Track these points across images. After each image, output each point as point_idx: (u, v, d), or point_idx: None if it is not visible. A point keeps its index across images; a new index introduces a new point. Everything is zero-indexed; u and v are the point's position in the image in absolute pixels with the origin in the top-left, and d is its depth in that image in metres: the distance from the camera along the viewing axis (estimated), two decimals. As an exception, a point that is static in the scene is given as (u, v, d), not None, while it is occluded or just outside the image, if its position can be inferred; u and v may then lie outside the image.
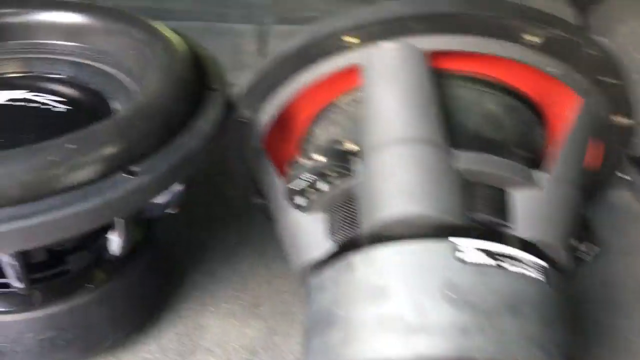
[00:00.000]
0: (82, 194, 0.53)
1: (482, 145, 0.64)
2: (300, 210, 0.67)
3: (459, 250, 0.57)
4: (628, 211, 1.09)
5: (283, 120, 0.73)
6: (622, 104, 0.69)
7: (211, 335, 0.82)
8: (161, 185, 0.58)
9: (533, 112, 0.72)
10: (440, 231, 0.58)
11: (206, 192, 1.03)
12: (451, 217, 0.59)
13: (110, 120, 0.58)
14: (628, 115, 0.70)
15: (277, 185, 0.71)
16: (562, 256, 0.62)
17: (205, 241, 0.95)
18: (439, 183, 0.59)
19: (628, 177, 1.17)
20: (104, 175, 0.55)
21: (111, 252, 0.65)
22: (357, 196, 0.63)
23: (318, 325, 0.60)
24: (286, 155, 0.75)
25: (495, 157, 0.62)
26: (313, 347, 0.59)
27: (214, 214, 0.99)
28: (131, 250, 0.72)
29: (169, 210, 0.72)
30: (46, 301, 0.67)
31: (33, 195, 0.51)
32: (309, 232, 0.67)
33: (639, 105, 0.71)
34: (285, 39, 1.46)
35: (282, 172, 0.72)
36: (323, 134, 0.72)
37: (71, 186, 0.53)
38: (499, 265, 0.56)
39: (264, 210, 0.84)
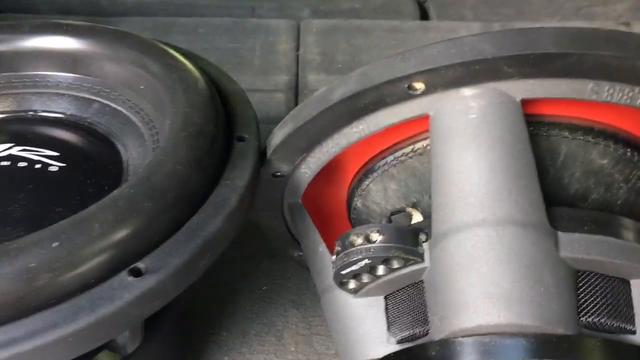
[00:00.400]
0: (71, 310, 0.40)
1: (592, 218, 0.49)
2: (351, 293, 0.53)
3: (570, 376, 0.43)
4: None
5: (328, 174, 0.59)
6: None
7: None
8: (176, 285, 0.44)
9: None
10: (545, 347, 0.44)
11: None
12: (559, 327, 0.45)
13: (110, 200, 0.45)
14: None
15: (320, 254, 0.57)
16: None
17: (236, 287, 0.82)
18: (542, 282, 0.45)
19: None
20: (100, 279, 0.42)
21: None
22: (426, 287, 0.49)
23: None
24: (332, 212, 0.61)
25: (613, 240, 0.47)
26: None
27: (244, 255, 0.86)
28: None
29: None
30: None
31: (6, 314, 0.39)
32: (362, 321, 0.54)
33: None
34: (325, 36, 1.33)
35: (325, 232, 0.59)
36: (379, 191, 0.58)
37: (55, 300, 0.40)
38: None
39: (302, 264, 0.71)
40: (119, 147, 0.59)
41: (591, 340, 0.44)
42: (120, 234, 0.43)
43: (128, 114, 0.60)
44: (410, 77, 0.47)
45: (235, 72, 1.21)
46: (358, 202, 0.60)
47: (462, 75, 0.47)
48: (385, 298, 0.53)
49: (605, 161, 0.53)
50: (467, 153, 0.47)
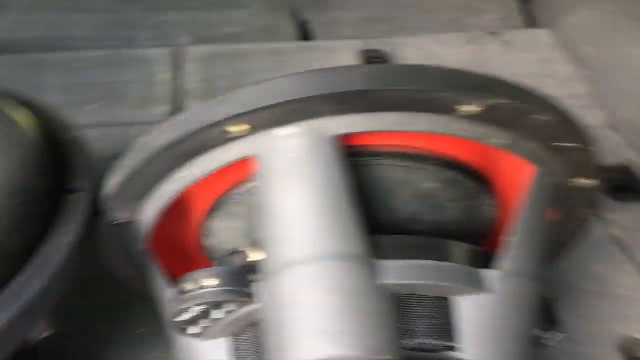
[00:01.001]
0: None
1: (413, 244, 0.51)
2: (195, 337, 0.53)
3: (394, 400, 0.44)
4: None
5: (171, 217, 0.58)
6: (583, 166, 0.57)
7: None
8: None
9: (478, 182, 0.59)
10: (367, 375, 0.45)
11: (108, 279, 0.88)
12: (383, 354, 0.46)
13: None
14: (590, 176, 0.58)
15: (167, 300, 0.57)
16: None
17: (113, 331, 0.80)
18: (363, 312, 0.46)
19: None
20: None
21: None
22: (263, 324, 0.50)
23: None
24: (189, 254, 0.61)
25: (433, 262, 0.49)
26: None
27: (120, 302, 0.84)
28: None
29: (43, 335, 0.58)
30: None
31: None
32: (209, 362, 0.53)
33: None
34: (206, 63, 1.33)
35: (174, 278, 0.58)
36: (223, 230, 0.58)
37: None
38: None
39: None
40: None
41: (411, 357, 0.46)
42: None
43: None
44: (227, 121, 0.47)
45: (111, 106, 1.20)
46: (206, 242, 0.60)
47: (278, 116, 0.48)
48: (233, 337, 0.54)
49: (430, 184, 0.55)
50: (287, 191, 0.48)
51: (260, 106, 0.46)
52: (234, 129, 0.48)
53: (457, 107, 0.48)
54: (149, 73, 1.25)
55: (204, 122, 0.47)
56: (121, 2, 1.43)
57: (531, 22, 1.56)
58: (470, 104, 0.47)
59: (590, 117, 1.27)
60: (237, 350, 0.53)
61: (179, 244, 0.62)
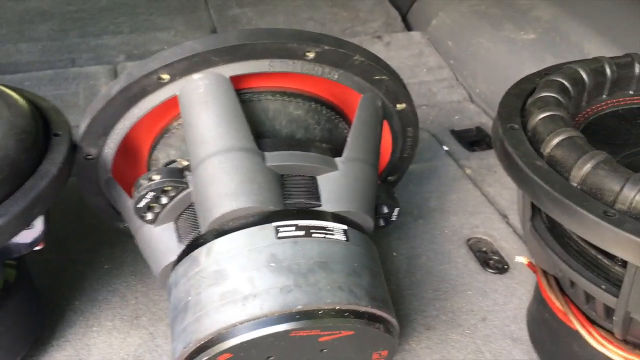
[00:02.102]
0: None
1: (291, 144, 0.79)
2: (151, 224, 0.79)
3: (278, 230, 0.72)
4: (447, 176, 1.30)
5: (127, 151, 0.84)
6: (398, 94, 0.87)
7: (98, 351, 0.92)
8: (15, 227, 0.68)
9: (336, 111, 0.88)
10: (262, 218, 0.73)
11: (76, 226, 1.12)
12: (270, 206, 0.74)
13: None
14: (404, 101, 0.88)
15: (129, 207, 0.83)
16: (364, 219, 0.79)
17: (82, 270, 1.04)
18: (255, 180, 0.73)
19: (446, 148, 1.39)
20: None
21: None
22: (195, 205, 0.76)
23: (176, 315, 0.72)
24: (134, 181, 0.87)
25: (301, 152, 0.77)
26: (175, 334, 0.72)
27: (84, 246, 1.08)
28: (5, 288, 0.81)
29: (35, 248, 0.82)
30: None
31: None
32: (162, 241, 0.79)
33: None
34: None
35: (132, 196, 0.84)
36: (163, 156, 0.85)
37: None
38: (309, 235, 0.72)
39: (128, 232, 0.95)
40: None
41: (291, 209, 0.74)
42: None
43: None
44: (157, 71, 0.75)
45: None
46: (152, 166, 0.86)
47: (190, 66, 0.75)
48: (175, 222, 0.80)
49: (300, 112, 0.84)
50: (200, 113, 0.76)
51: (178, 58, 0.73)
52: (164, 76, 0.75)
53: (304, 53, 0.77)
54: (92, 86, 1.51)
55: (143, 72, 0.74)
56: (61, 30, 1.68)
57: (408, 27, 1.91)
58: (310, 50, 0.77)
59: (455, 94, 1.63)
60: (178, 229, 0.79)
61: (136, 175, 0.87)
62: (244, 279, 0.68)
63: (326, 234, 0.73)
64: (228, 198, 0.73)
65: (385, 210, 0.87)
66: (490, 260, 1.10)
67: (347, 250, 0.73)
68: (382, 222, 0.89)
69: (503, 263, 1.09)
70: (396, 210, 0.88)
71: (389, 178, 1.00)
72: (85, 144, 0.81)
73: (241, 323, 0.66)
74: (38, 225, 0.79)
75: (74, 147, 0.80)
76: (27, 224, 0.70)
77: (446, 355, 0.92)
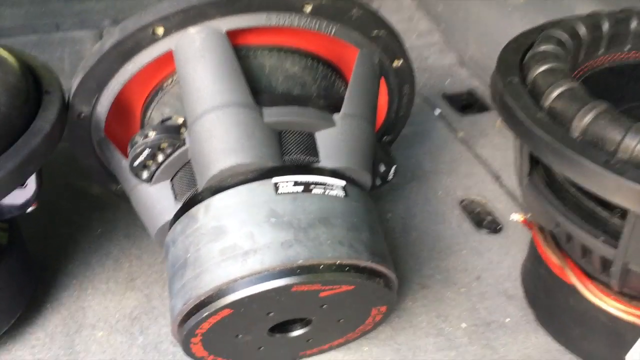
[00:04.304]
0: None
1: (289, 100, 0.77)
2: (146, 183, 0.78)
3: (277, 186, 0.71)
4: (440, 139, 1.30)
5: (120, 110, 0.83)
6: (395, 50, 0.85)
7: (93, 313, 0.91)
8: (8, 184, 0.66)
9: (332, 68, 0.87)
10: (261, 174, 0.72)
11: (67, 190, 1.10)
12: (269, 162, 0.73)
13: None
14: (401, 57, 0.87)
15: (124, 167, 0.81)
16: (362, 175, 0.78)
17: (75, 234, 1.03)
18: (253, 136, 0.72)
19: (438, 111, 1.38)
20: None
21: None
22: (192, 162, 0.75)
23: (174, 272, 0.71)
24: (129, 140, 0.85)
25: (299, 108, 0.76)
26: (173, 291, 0.71)
27: (75, 210, 1.06)
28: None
29: (28, 209, 0.80)
30: None
31: None
32: (158, 200, 0.78)
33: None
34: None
35: (126, 156, 0.82)
36: (157, 115, 0.83)
37: None
38: (309, 191, 0.71)
39: (122, 194, 0.94)
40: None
41: (289, 165, 0.73)
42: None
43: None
44: (152, 25, 0.73)
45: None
46: (145, 127, 0.84)
47: (185, 19, 0.73)
48: (171, 181, 0.79)
49: (296, 69, 0.82)
50: (197, 68, 0.74)
51: (173, 11, 0.72)
52: (158, 30, 0.73)
53: (302, 5, 0.75)
54: (78, 51, 1.47)
55: (137, 26, 0.72)
56: (45, -6, 1.64)
57: (398, -9, 1.89)
58: (308, 2, 0.75)
59: (446, 58, 1.62)
60: (174, 187, 0.78)
61: (126, 132, 0.86)
62: (244, 234, 0.68)
63: (325, 189, 0.72)
64: (226, 154, 0.72)
65: (383, 168, 0.86)
66: (484, 221, 1.10)
67: (346, 206, 0.72)
68: (378, 181, 0.89)
69: (496, 223, 1.09)
70: (393, 169, 0.87)
71: (385, 138, 0.99)
72: (78, 102, 0.79)
73: (242, 278, 0.66)
74: (31, 185, 0.78)
75: (65, 105, 0.78)
76: (20, 181, 0.69)
77: (442, 312, 0.93)
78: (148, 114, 0.84)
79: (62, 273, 0.97)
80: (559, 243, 0.82)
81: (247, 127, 0.73)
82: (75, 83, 0.78)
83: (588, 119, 0.64)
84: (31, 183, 0.78)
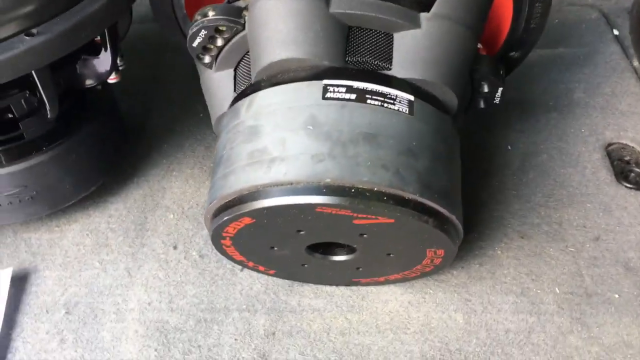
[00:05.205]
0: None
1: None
2: (209, 68, 0.72)
3: (327, 89, 0.61)
4: (607, 66, 1.06)
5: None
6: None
7: (171, 195, 0.91)
8: (59, 47, 0.64)
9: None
10: (312, 73, 0.62)
11: (174, 70, 1.09)
12: (325, 60, 0.62)
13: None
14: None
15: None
16: (445, 92, 0.64)
17: (178, 114, 1.03)
18: (312, 28, 0.62)
19: (617, 32, 1.13)
20: (8, 38, 0.62)
21: (47, 116, 0.73)
22: (250, 51, 0.67)
23: (213, 167, 0.66)
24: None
25: (377, 0, 0.63)
26: (211, 184, 0.66)
27: (184, 91, 1.05)
28: (79, 119, 0.81)
29: (108, 79, 0.80)
30: (8, 162, 0.77)
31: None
32: (220, 88, 0.72)
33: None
34: None
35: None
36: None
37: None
38: (363, 101, 0.60)
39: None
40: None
41: (350, 68, 0.62)
42: (22, 10, 0.63)
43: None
44: None
45: None
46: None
47: None
48: (234, 69, 0.72)
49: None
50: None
51: None
52: None
53: None
54: None
55: None
56: None
57: None
58: None
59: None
60: (236, 77, 0.72)
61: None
62: (276, 139, 0.59)
63: (385, 102, 0.60)
64: (278, 45, 0.63)
65: (486, 88, 0.71)
66: (631, 173, 0.89)
67: (406, 125, 0.60)
68: (482, 104, 0.74)
69: (645, 178, 0.88)
70: (499, 91, 0.71)
71: (511, 54, 0.82)
72: (155, -28, 0.74)
73: (263, 187, 0.58)
74: (105, 56, 0.76)
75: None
76: (73, 47, 0.66)
77: (535, 270, 0.78)
78: (227, -8, 0.76)
79: (155, 150, 0.98)
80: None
81: (307, 17, 0.62)
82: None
83: None
84: (105, 53, 0.76)
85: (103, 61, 0.77)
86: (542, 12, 0.76)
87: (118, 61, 0.79)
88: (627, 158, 0.92)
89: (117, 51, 0.77)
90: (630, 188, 0.87)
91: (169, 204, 0.90)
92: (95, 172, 0.85)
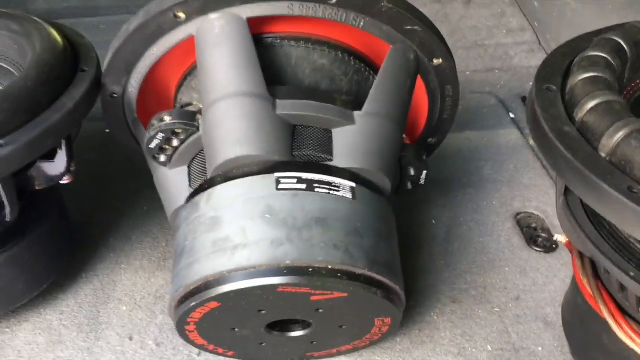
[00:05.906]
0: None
1: (308, 94, 0.74)
2: (164, 166, 0.79)
3: (279, 181, 0.69)
4: (509, 145, 1.21)
5: (153, 91, 0.84)
6: (433, 47, 0.80)
7: (122, 288, 0.94)
8: (23, 156, 0.69)
9: (368, 63, 0.83)
10: (264, 167, 0.70)
11: (117, 167, 1.14)
12: (276, 156, 0.70)
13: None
14: (440, 56, 0.81)
15: (148, 149, 0.82)
16: (380, 178, 0.74)
17: (122, 209, 1.07)
18: (262, 128, 0.70)
19: (513, 115, 1.29)
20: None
21: (7, 218, 0.76)
22: (205, 150, 0.75)
23: (175, 258, 0.71)
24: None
25: (316, 103, 0.73)
26: (173, 276, 0.71)
27: (127, 187, 1.10)
28: (32, 219, 0.84)
29: (61, 181, 0.84)
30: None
31: None
32: (175, 185, 0.79)
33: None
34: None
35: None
36: (187, 99, 0.83)
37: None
38: (312, 189, 0.68)
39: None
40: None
41: (297, 161, 0.70)
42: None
43: (6, 65, 0.84)
44: (173, 9, 0.73)
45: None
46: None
47: (206, 4, 0.73)
48: (188, 166, 0.79)
49: (325, 61, 0.79)
50: (213, 55, 0.73)
51: (194, -4, 0.71)
52: (180, 14, 0.73)
53: (327, -5, 0.72)
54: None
55: (159, 9, 0.72)
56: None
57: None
58: (334, -7, 0.72)
59: (534, 59, 1.51)
60: (190, 173, 0.78)
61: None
62: (237, 228, 0.66)
63: (330, 189, 0.69)
64: (232, 144, 0.70)
65: (412, 172, 0.81)
66: (539, 238, 1.02)
67: (351, 209, 0.69)
68: (409, 185, 0.84)
69: (552, 242, 1.00)
70: (424, 173, 0.82)
71: (429, 140, 0.93)
72: (109, 82, 0.81)
73: (228, 272, 0.64)
74: (60, 159, 0.81)
75: (98, 84, 0.80)
76: (36, 155, 0.71)
77: (468, 331, 0.87)
78: (179, 97, 0.84)
79: (103, 245, 1.01)
80: (597, 272, 0.73)
81: (257, 119, 0.71)
82: (105, 63, 0.80)
83: (618, 137, 0.56)
84: (60, 157, 0.81)
85: (58, 165, 0.82)
86: (452, 104, 0.89)
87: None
88: (534, 225, 1.04)
89: (72, 155, 0.82)
90: (540, 251, 0.99)
91: (120, 296, 0.93)
92: (47, 270, 0.88)
